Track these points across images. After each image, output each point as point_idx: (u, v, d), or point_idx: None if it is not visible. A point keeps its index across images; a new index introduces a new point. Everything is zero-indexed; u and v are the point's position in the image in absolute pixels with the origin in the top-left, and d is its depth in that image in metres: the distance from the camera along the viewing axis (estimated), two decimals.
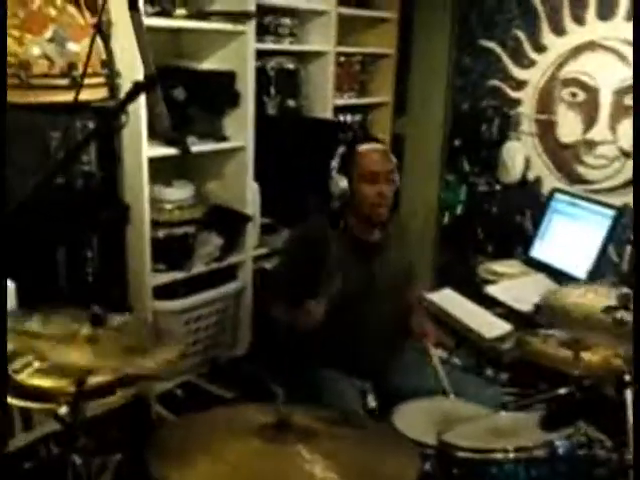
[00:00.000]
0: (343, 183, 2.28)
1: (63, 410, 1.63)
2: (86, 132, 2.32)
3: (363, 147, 2.29)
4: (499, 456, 1.60)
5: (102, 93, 2.32)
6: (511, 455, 1.59)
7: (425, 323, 2.44)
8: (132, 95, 1.26)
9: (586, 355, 1.98)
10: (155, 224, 2.59)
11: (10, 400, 1.74)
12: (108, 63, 2.35)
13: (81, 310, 1.71)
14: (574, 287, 2.31)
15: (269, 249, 3.10)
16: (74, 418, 1.61)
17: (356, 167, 2.27)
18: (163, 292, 2.66)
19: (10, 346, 1.71)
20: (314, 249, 2.29)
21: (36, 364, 1.81)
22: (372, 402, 2.30)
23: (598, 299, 2.00)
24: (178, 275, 2.68)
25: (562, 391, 2.03)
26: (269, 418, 1.49)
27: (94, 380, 1.69)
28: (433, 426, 1.90)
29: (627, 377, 1.67)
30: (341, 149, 2.31)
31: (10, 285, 2.18)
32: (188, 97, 2.68)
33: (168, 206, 2.66)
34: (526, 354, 2.12)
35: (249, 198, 2.89)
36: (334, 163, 2.31)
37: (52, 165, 1.18)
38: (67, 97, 2.19)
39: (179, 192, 2.70)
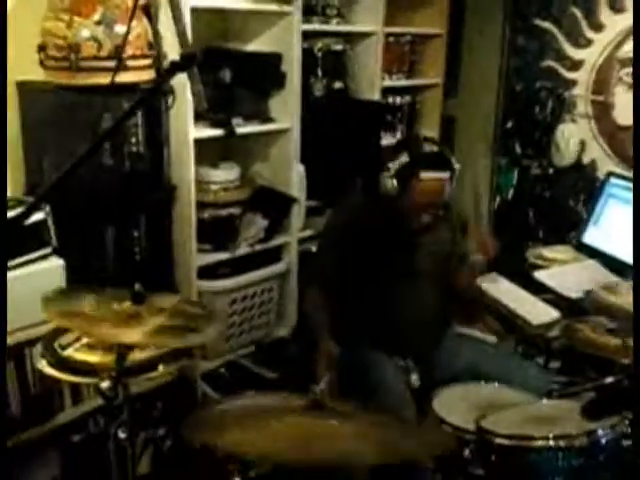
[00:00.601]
0: (392, 186, 2.23)
1: (105, 385, 1.67)
2: (133, 113, 2.36)
3: (426, 175, 2.18)
4: (538, 443, 1.57)
5: (149, 75, 2.35)
6: (551, 442, 1.55)
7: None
8: (168, 74, 1.27)
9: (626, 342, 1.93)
10: (201, 205, 2.62)
11: (58, 374, 1.80)
12: (154, 45, 2.37)
13: (127, 289, 1.75)
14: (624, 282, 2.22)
15: (315, 231, 3.10)
16: (115, 393, 1.65)
17: (412, 190, 2.20)
18: (208, 272, 2.69)
19: (58, 323, 1.77)
20: (353, 233, 2.28)
21: (83, 340, 1.88)
22: (416, 381, 2.30)
23: None
24: (223, 256, 2.71)
25: (609, 380, 1.98)
26: (304, 401, 1.50)
27: (137, 356, 1.74)
28: (473, 412, 1.88)
29: None
30: (404, 157, 2.22)
31: (59, 262, 2.25)
32: (234, 78, 2.70)
33: (214, 187, 2.69)
34: (574, 341, 2.07)
35: (295, 180, 2.89)
36: (393, 166, 2.22)
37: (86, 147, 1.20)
38: (118, 78, 2.22)
39: (225, 173, 2.72)
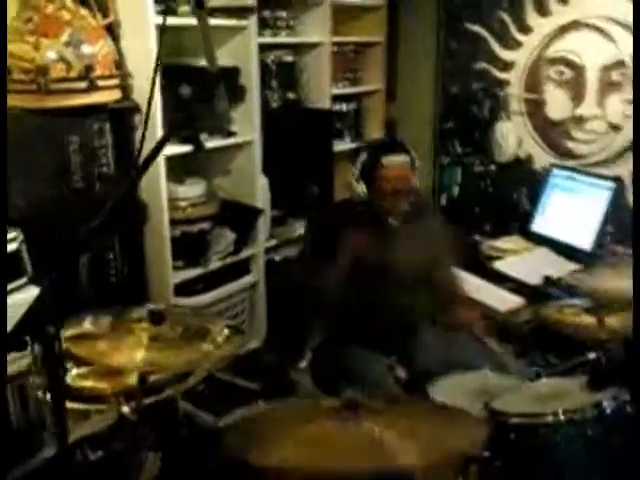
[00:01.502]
0: (362, 189, 2.30)
1: (126, 409, 1.65)
2: (103, 134, 2.33)
3: (387, 159, 2.26)
4: (550, 419, 1.67)
5: (117, 94, 2.33)
6: (562, 417, 1.66)
7: (473, 313, 2.49)
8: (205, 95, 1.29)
9: (611, 320, 2.09)
10: (171, 222, 2.60)
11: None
12: (120, 64, 2.35)
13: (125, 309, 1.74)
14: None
15: (278, 241, 3.14)
16: (138, 416, 1.64)
17: (378, 179, 2.27)
18: (182, 289, 2.68)
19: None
20: (337, 220, 2.35)
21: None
22: (402, 373, 2.37)
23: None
24: (196, 271, 2.71)
25: (592, 355, 2.13)
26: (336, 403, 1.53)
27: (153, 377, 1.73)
28: (473, 398, 1.97)
29: None
30: (363, 156, 2.29)
31: (36, 292, 2.19)
32: (194, 94, 2.71)
33: (182, 204, 2.69)
34: (551, 324, 2.20)
35: (259, 191, 2.93)
36: (355, 170, 2.30)
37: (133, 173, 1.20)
38: (85, 100, 2.20)
39: (192, 189, 2.72)
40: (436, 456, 1.35)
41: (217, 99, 1.35)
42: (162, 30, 1.91)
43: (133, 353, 1.61)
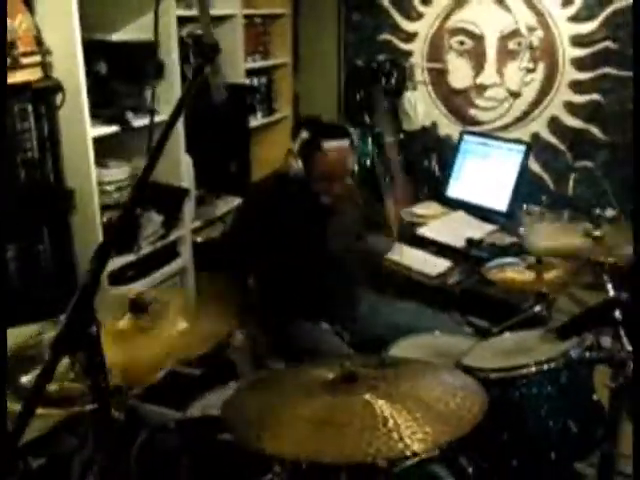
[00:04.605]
0: (299, 166, 2.30)
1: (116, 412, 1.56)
2: (26, 117, 2.16)
3: (328, 145, 2.26)
4: (524, 371, 1.77)
5: (40, 73, 2.15)
6: (533, 369, 1.76)
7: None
8: (198, 69, 1.23)
9: (549, 274, 2.23)
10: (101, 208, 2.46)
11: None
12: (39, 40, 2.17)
13: None
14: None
15: (202, 221, 3.06)
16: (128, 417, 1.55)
17: (317, 163, 2.28)
18: (115, 278, 2.55)
19: None
20: (267, 214, 2.33)
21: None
22: (347, 337, 2.42)
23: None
24: (128, 258, 2.59)
25: (537, 308, 2.28)
26: (332, 373, 1.52)
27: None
28: (438, 358, 2.05)
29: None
30: (304, 135, 2.28)
31: None
32: (110, 71, 2.56)
33: (109, 188, 2.54)
34: (495, 282, 2.32)
35: (183, 171, 2.83)
36: (295, 146, 2.29)
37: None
38: (9, 79, 2.01)
39: (117, 172, 2.58)
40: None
41: (213, 73, 1.28)
42: None
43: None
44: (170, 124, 1.17)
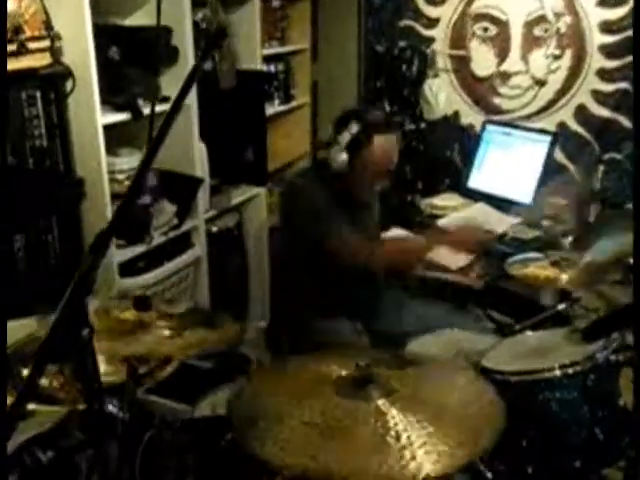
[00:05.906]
0: (343, 158, 2.21)
1: (112, 407, 1.50)
2: (34, 103, 2.10)
3: (381, 140, 2.20)
4: (545, 375, 1.68)
5: (48, 59, 2.09)
6: (558, 372, 1.68)
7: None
8: (206, 52, 1.15)
9: (573, 273, 2.14)
10: (111, 197, 2.40)
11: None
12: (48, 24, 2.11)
13: None
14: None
15: (217, 210, 3.00)
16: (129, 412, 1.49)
17: (366, 157, 2.20)
18: (126, 269, 2.50)
19: None
20: (312, 207, 2.25)
21: None
22: (365, 339, 2.34)
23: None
24: (139, 249, 2.53)
25: (561, 306, 2.18)
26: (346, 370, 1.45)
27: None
28: (457, 356, 1.97)
29: None
30: (353, 127, 2.19)
31: None
32: (123, 56, 2.49)
33: (120, 177, 2.48)
34: (520, 279, 2.22)
35: (197, 160, 2.76)
36: (344, 138, 2.19)
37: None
38: (16, 65, 1.95)
39: (129, 161, 2.51)
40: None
41: (220, 58, 1.20)
42: None
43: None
44: (172, 110, 1.09)
